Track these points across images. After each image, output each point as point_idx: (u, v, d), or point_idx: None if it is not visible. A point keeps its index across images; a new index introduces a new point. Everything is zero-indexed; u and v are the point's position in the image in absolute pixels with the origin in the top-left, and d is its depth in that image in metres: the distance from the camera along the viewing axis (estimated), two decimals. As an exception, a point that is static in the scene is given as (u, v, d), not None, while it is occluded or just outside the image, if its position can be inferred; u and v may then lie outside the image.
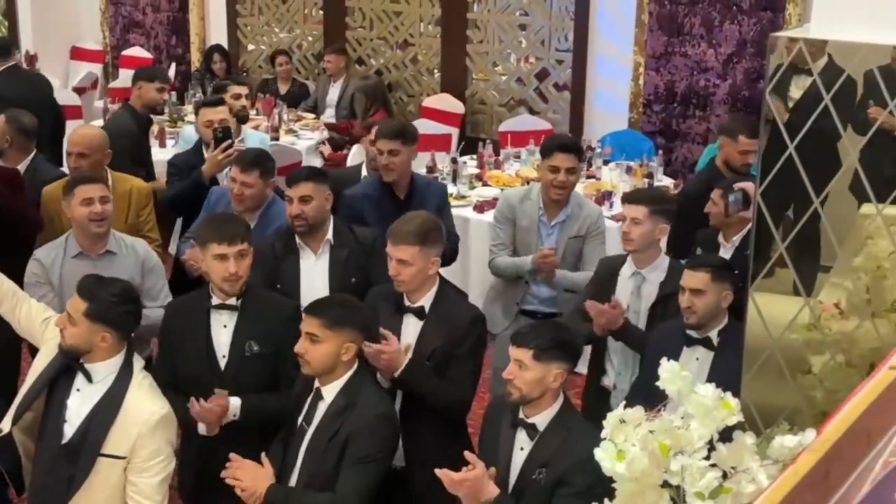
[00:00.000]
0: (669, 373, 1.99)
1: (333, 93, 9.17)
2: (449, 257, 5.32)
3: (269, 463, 3.44)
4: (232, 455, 3.42)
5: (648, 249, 4.31)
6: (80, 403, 3.50)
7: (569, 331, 3.57)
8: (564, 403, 3.38)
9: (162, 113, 7.48)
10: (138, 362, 3.61)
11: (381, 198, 5.13)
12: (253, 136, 6.49)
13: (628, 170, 7.31)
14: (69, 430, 3.49)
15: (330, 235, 4.48)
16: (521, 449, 3.36)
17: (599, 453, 1.96)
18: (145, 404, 3.50)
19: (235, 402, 3.76)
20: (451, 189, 6.93)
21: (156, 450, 3.48)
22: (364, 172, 5.65)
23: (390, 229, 3.90)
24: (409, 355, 3.74)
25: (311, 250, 4.48)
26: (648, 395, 3.77)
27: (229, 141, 5.43)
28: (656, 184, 7.23)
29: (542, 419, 3.34)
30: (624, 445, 1.95)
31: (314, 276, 4.44)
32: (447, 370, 3.75)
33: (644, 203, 4.28)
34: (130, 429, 3.45)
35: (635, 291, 4.33)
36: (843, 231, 2.60)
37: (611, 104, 8.70)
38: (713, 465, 2.00)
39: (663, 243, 4.49)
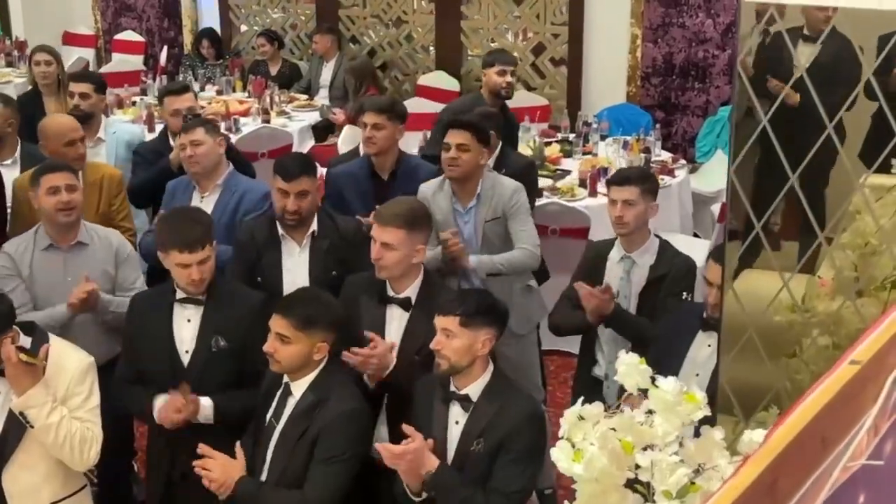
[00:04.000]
0: (627, 366, 1.85)
1: (326, 74, 9.01)
2: None
3: (241, 454, 3.34)
4: (202, 446, 3.32)
5: (640, 231, 4.17)
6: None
7: (493, 296, 3.53)
8: (495, 371, 3.33)
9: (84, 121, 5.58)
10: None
11: (363, 176, 4.99)
12: (122, 132, 6.00)
13: (625, 145, 7.15)
14: None
15: (315, 226, 4.34)
16: (457, 423, 3.30)
17: (555, 453, 1.83)
18: (69, 358, 3.49)
19: (206, 404, 3.63)
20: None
21: (87, 396, 3.48)
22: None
23: (377, 211, 3.77)
24: (395, 354, 3.62)
25: (296, 242, 4.33)
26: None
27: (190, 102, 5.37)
28: (654, 159, 7.07)
29: (474, 389, 3.29)
30: (582, 444, 1.81)
31: (297, 268, 4.29)
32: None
33: (635, 183, 4.13)
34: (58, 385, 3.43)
35: (625, 276, 4.18)
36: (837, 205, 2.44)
37: (608, 78, 8.53)
38: (682, 462, 1.87)
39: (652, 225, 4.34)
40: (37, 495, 3.45)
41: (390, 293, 3.74)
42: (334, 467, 3.24)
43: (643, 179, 4.20)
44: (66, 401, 3.42)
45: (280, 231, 4.32)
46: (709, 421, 1.92)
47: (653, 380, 1.85)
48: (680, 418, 1.80)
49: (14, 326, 3.39)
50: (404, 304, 3.71)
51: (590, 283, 4.13)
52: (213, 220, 4.57)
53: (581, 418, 1.85)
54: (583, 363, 4.38)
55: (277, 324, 3.33)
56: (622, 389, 3.79)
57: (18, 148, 5.30)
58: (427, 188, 4.75)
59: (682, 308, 3.91)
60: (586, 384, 4.25)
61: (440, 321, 3.28)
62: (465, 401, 3.28)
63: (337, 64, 8.96)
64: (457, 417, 3.30)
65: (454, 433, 3.29)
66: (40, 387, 3.32)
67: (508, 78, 6.04)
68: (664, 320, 3.89)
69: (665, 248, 4.18)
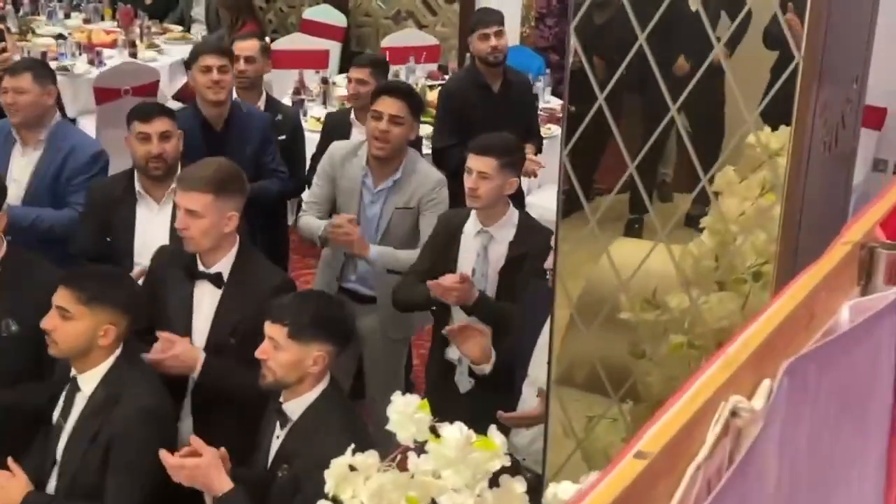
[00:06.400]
0: (400, 414, 1.50)
1: (199, 9, 8.41)
2: (279, 197, 4.78)
3: (18, 469, 2.89)
4: None
5: (496, 205, 3.75)
6: None
7: (338, 305, 3.08)
8: (327, 389, 2.90)
9: None
10: None
11: (192, 128, 4.39)
12: None
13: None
14: None
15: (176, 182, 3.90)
16: (277, 437, 2.91)
17: (318, 513, 1.48)
18: None
19: None
20: (321, 112, 6.36)
21: None
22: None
23: (180, 174, 3.34)
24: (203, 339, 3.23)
25: (154, 199, 3.89)
26: (510, 371, 3.37)
27: (3, 44, 4.82)
28: (542, 105, 6.73)
29: (295, 406, 2.88)
30: (352, 503, 1.46)
31: (153, 228, 3.85)
32: (252, 348, 3.00)
33: (494, 155, 3.68)
34: None
35: (482, 252, 3.76)
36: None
37: (502, 17, 8.11)
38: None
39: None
40: None
41: (200, 268, 3.32)
42: (132, 477, 2.84)
43: (505, 152, 3.73)
44: None
45: (137, 188, 3.89)
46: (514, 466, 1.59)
47: (433, 430, 1.50)
48: (472, 469, 1.47)
49: None
50: (215, 280, 3.30)
51: (443, 259, 3.74)
52: (34, 182, 4.15)
53: (352, 469, 1.50)
54: (436, 345, 3.98)
55: (60, 296, 2.92)
56: (472, 372, 3.52)
57: None
58: (338, 149, 4.25)
59: (538, 289, 3.54)
60: (439, 368, 3.88)
61: (267, 327, 2.86)
62: (283, 417, 2.89)
63: (208, -4, 8.37)
64: (278, 432, 2.92)
65: (274, 449, 2.91)
66: None
67: (493, 41, 5.24)
68: (519, 304, 3.51)
69: (526, 221, 3.79)
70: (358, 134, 4.95)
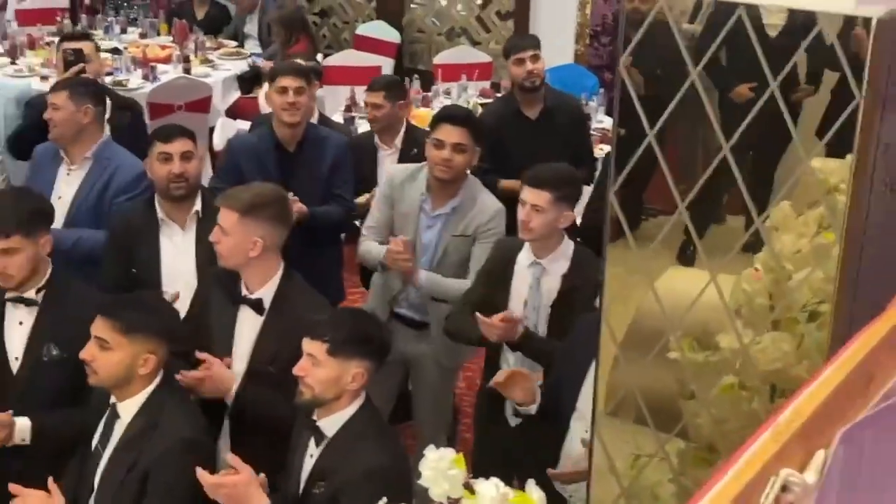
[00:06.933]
0: (433, 469, 1.43)
1: (251, 25, 8.44)
2: (338, 225, 4.72)
3: (57, 491, 2.87)
4: (12, 486, 2.86)
5: (550, 238, 3.65)
6: None
7: (375, 322, 3.03)
8: (363, 406, 2.87)
9: None
10: None
11: (264, 149, 4.45)
12: (7, 88, 5.68)
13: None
14: None
15: (198, 206, 3.88)
16: (311, 456, 2.87)
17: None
18: None
19: (23, 425, 3.16)
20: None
21: None
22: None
23: (222, 193, 3.33)
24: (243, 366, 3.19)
25: (178, 224, 3.87)
26: (559, 405, 3.30)
27: (82, 65, 4.86)
28: (595, 125, 6.64)
29: (330, 423, 2.84)
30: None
31: (179, 254, 3.84)
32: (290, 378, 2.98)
33: (548, 187, 3.56)
34: None
35: (534, 284, 3.66)
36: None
37: (555, 35, 8.04)
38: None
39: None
40: None
41: (243, 293, 3.29)
42: None
43: (560, 184, 3.61)
44: None
45: (159, 214, 3.87)
46: None
47: (468, 486, 1.44)
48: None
49: None
50: (257, 306, 3.26)
51: (497, 290, 3.67)
52: (78, 201, 4.15)
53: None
54: (487, 375, 3.81)
55: (98, 326, 2.90)
56: (517, 412, 3.45)
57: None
58: (399, 172, 4.20)
59: (590, 319, 3.43)
60: (490, 400, 3.77)
61: (306, 344, 2.83)
62: (318, 433, 2.85)
63: (260, 13, 8.38)
64: (311, 450, 2.88)
65: (307, 467, 2.87)
66: None
67: (528, 66, 5.17)
68: (570, 333, 3.38)
69: (580, 253, 3.68)
70: (385, 156, 4.97)
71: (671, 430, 2.32)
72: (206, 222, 3.79)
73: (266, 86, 6.94)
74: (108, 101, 4.74)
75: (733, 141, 1.85)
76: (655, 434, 2.29)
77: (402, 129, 5.09)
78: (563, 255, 3.66)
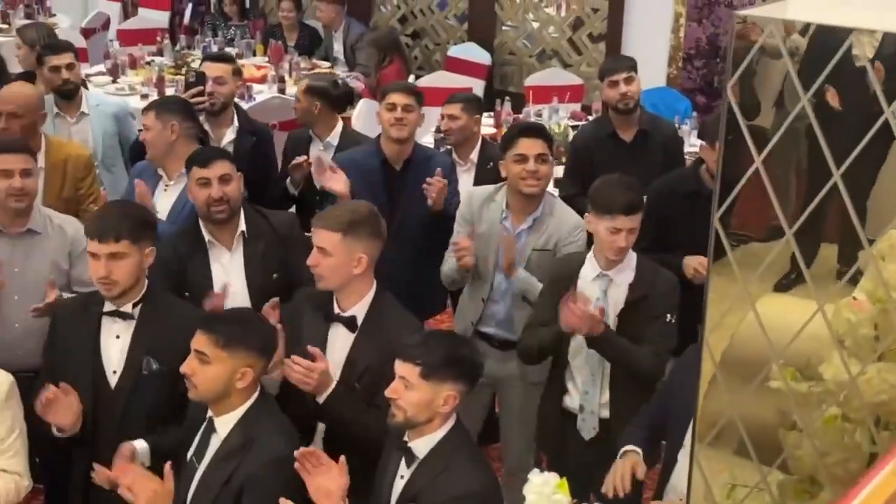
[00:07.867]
0: (538, 494, 1.43)
1: (338, 45, 8.54)
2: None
3: (170, 477, 2.92)
4: (120, 465, 2.99)
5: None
6: None
7: (467, 345, 3.05)
8: (454, 427, 2.88)
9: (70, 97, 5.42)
10: None
11: (371, 166, 4.53)
12: (105, 104, 5.63)
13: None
14: None
15: (243, 226, 3.90)
16: (402, 477, 2.89)
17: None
18: None
19: (143, 448, 3.20)
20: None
21: (10, 426, 3.09)
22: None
23: (318, 213, 3.37)
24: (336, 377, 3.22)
25: (224, 245, 3.90)
26: (653, 430, 3.28)
27: (200, 88, 4.96)
28: (688, 149, 6.56)
29: (422, 445, 2.86)
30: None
31: (229, 276, 3.86)
32: (377, 394, 3.06)
33: (641, 209, 3.67)
34: None
35: (602, 296, 3.66)
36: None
37: (648, 58, 7.97)
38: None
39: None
40: None
41: (336, 310, 3.32)
42: None
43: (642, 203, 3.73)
44: None
45: (206, 237, 3.89)
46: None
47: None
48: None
49: None
50: (349, 323, 3.29)
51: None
52: (172, 217, 4.23)
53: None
54: (548, 395, 3.86)
55: (197, 340, 2.95)
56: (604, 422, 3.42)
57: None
58: (477, 194, 4.24)
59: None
60: (557, 417, 3.78)
61: (399, 367, 2.86)
62: (409, 455, 2.87)
63: (344, 34, 8.47)
64: (402, 471, 2.89)
65: (397, 488, 2.89)
66: None
67: (623, 88, 5.18)
68: (678, 361, 3.38)
69: (644, 264, 3.71)
70: (461, 171, 5.02)
71: (771, 461, 2.27)
72: (252, 242, 3.87)
73: (358, 106, 7.09)
74: (237, 124, 4.96)
75: (844, 168, 1.82)
76: (756, 465, 2.24)
77: (478, 145, 5.15)
78: (627, 266, 3.70)
